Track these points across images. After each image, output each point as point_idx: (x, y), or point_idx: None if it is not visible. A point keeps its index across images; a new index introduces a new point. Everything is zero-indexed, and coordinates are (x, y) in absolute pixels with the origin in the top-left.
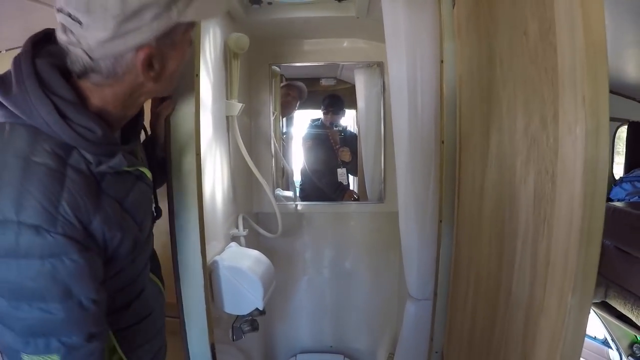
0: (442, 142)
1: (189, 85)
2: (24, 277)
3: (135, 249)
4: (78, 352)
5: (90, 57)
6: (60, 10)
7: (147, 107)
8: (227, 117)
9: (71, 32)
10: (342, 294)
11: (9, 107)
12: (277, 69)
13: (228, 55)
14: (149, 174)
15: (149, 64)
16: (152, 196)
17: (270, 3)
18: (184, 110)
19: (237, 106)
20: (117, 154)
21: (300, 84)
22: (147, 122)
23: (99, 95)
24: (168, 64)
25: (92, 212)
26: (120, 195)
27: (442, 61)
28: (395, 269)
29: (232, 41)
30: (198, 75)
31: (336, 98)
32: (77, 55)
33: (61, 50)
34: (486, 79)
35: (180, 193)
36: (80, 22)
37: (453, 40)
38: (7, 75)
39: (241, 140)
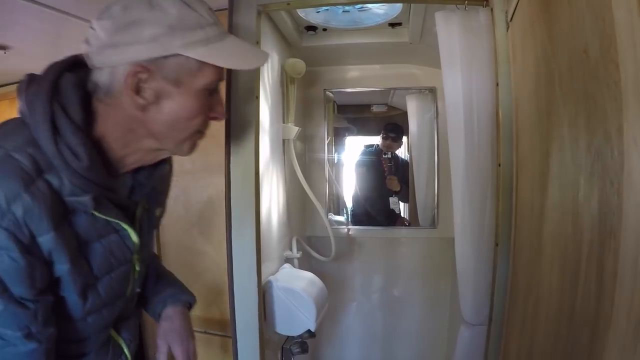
0: (499, 165)
1: (250, 107)
2: None
3: (86, 300)
4: (15, 347)
5: (93, 64)
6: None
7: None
8: (284, 140)
9: (87, 40)
10: (391, 320)
11: (21, 94)
12: (331, 94)
13: (285, 80)
14: (133, 235)
15: (136, 87)
16: (132, 261)
17: (325, 29)
18: (245, 132)
19: (294, 129)
20: (88, 194)
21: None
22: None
23: (103, 119)
24: (166, 102)
25: (46, 229)
26: (85, 236)
27: (497, 84)
28: (447, 296)
29: (289, 66)
30: (258, 97)
31: (397, 126)
32: (88, 65)
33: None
34: (544, 99)
35: (238, 213)
36: (93, 29)
37: (508, 63)
38: (38, 75)
39: (297, 164)
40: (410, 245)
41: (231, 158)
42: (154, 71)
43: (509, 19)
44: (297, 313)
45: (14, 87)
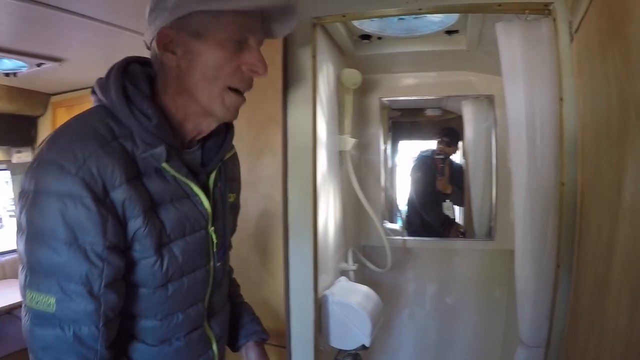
0: (562, 184)
1: (307, 120)
2: (43, 214)
3: (162, 258)
4: (75, 303)
5: (147, 44)
6: None
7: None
8: (340, 152)
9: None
10: (445, 332)
11: (95, 88)
12: (385, 101)
13: (341, 91)
14: (205, 201)
15: (166, 46)
16: (207, 231)
17: (380, 38)
18: (302, 146)
19: (350, 141)
20: (161, 145)
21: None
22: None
23: (162, 89)
24: (195, 56)
25: (119, 181)
26: (157, 196)
27: (561, 98)
28: (502, 310)
29: (344, 77)
30: (315, 114)
31: (452, 130)
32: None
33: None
34: (616, 125)
35: (295, 227)
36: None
37: (572, 77)
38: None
39: (354, 176)
40: (466, 256)
41: (289, 173)
42: (179, 29)
43: (573, 31)
44: (352, 327)
45: (69, 95)
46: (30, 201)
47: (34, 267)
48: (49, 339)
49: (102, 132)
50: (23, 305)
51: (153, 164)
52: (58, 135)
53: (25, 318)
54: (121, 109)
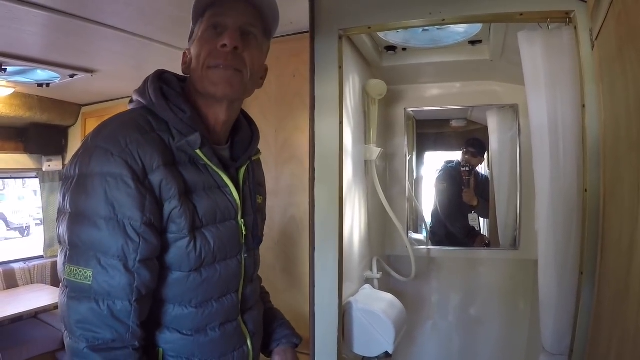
0: (585, 191)
1: (333, 131)
2: (87, 193)
3: (195, 241)
4: (110, 276)
5: None
6: None
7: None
8: (365, 162)
9: None
10: (468, 342)
11: (134, 96)
12: (411, 112)
13: (367, 101)
14: (234, 192)
15: (184, 60)
16: (237, 222)
17: (405, 49)
18: (329, 156)
19: (376, 151)
20: (196, 133)
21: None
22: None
23: (187, 91)
24: (190, 57)
25: (157, 163)
26: (191, 184)
27: (583, 105)
28: (526, 320)
29: (370, 87)
30: (342, 123)
31: (478, 141)
32: None
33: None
34: (635, 130)
35: (322, 236)
36: None
37: (594, 84)
38: None
39: (379, 185)
40: (490, 266)
41: (316, 182)
42: (190, 46)
43: (594, 38)
44: (375, 335)
45: (99, 106)
46: (74, 184)
47: (75, 243)
48: (83, 312)
49: (142, 124)
50: (61, 282)
51: (188, 151)
52: (102, 126)
53: (62, 294)
54: (159, 104)
